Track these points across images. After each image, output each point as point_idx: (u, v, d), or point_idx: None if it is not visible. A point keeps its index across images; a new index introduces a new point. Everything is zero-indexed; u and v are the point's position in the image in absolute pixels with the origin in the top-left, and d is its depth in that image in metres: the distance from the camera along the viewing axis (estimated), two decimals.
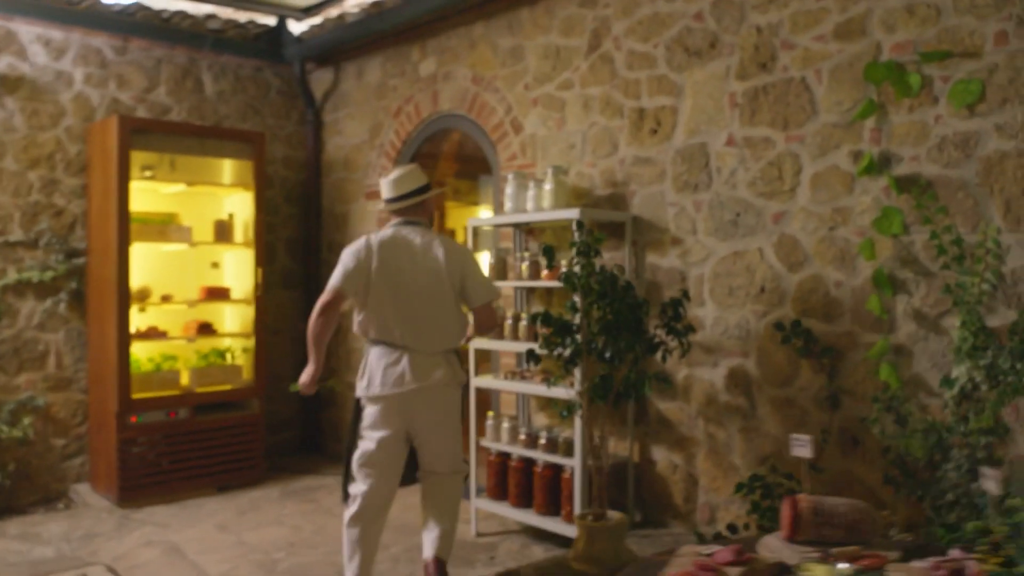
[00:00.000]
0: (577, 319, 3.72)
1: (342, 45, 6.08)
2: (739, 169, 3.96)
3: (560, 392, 4.06)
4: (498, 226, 4.92)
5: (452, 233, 8.11)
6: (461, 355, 3.65)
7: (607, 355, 3.53)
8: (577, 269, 3.66)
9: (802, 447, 2.87)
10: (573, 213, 4.11)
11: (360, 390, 3.44)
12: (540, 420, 4.85)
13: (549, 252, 3.74)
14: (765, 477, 3.36)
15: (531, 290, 4.90)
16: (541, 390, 4.24)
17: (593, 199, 4.56)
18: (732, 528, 3.61)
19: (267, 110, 6.57)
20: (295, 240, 6.73)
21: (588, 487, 4.09)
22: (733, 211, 3.98)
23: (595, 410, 3.78)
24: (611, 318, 3.58)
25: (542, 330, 3.93)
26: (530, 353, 3.75)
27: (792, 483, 3.43)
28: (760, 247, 3.88)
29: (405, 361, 3.35)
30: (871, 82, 3.46)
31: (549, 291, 4.80)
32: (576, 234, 3.74)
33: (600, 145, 4.55)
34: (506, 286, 4.84)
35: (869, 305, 3.46)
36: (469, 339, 3.78)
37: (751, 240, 3.92)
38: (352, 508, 3.42)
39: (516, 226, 4.90)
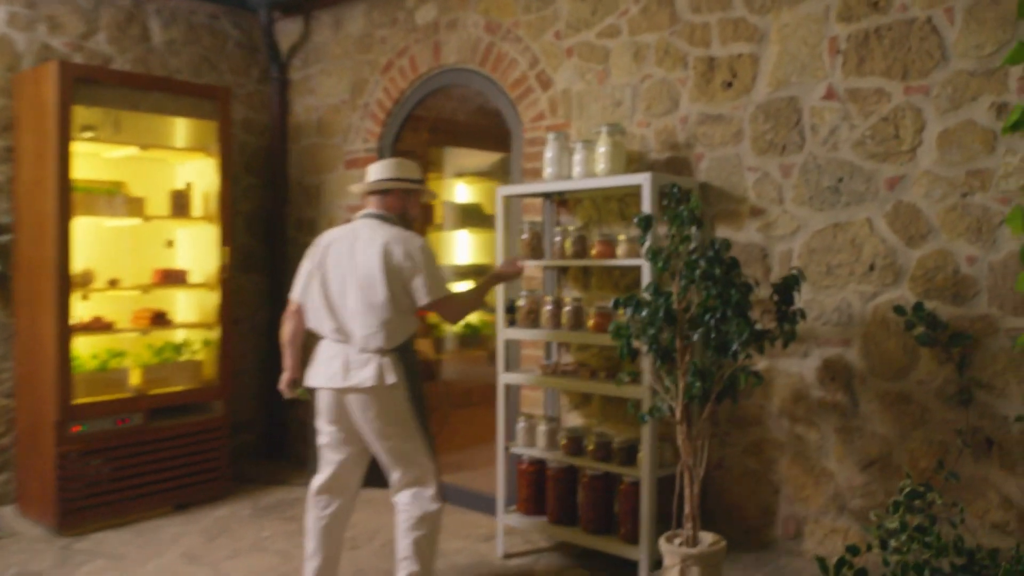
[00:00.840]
0: (662, 304, 3.05)
1: None
2: (842, 127, 3.37)
3: (633, 391, 3.41)
4: (520, 196, 4.21)
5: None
6: (413, 356, 3.32)
7: (713, 347, 2.88)
8: (675, 244, 3.00)
9: None
10: (639, 178, 3.46)
11: (306, 378, 3.37)
12: (574, 419, 4.18)
13: (646, 223, 3.06)
14: (922, 491, 2.76)
15: (563, 271, 4.22)
16: (609, 389, 3.57)
17: (647, 163, 3.91)
18: (853, 550, 3.02)
19: (224, 65, 5.67)
20: (257, 215, 5.85)
21: (656, 502, 3.46)
22: (834, 176, 3.39)
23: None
24: (715, 302, 2.93)
25: (623, 317, 3.28)
26: (627, 346, 3.06)
27: (932, 495, 2.85)
28: (869, 217, 3.31)
29: (342, 357, 3.21)
30: None
31: (586, 272, 4.13)
32: (669, 201, 3.07)
33: (656, 101, 3.90)
34: (534, 266, 4.16)
35: (1019, 285, 2.91)
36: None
37: (857, 210, 3.33)
38: (309, 491, 3.41)
39: (547, 196, 4.21)
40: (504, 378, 3.98)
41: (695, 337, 2.91)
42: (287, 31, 5.75)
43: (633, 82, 3.97)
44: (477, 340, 7.40)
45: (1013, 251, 2.98)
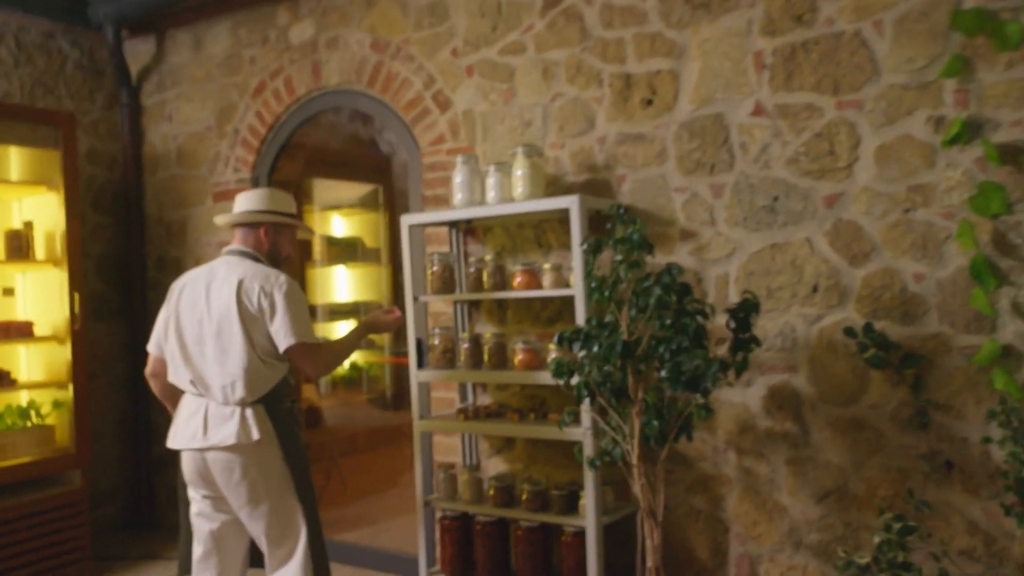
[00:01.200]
0: (617, 338, 2.76)
1: (171, 6, 4.70)
2: (773, 144, 3.22)
3: (571, 433, 3.10)
4: (429, 225, 3.85)
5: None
6: (288, 407, 2.94)
7: (684, 382, 2.61)
8: (623, 270, 2.72)
9: None
10: (565, 201, 3.18)
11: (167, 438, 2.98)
12: (496, 466, 3.83)
13: (595, 246, 2.77)
14: (911, 525, 2.57)
15: (475, 305, 3.87)
16: (549, 432, 3.25)
17: (564, 187, 3.64)
18: None
19: (63, 89, 4.99)
20: (109, 257, 5.17)
21: (603, 553, 3.16)
22: (768, 195, 3.23)
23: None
24: (669, 332, 2.68)
25: (559, 353, 2.97)
26: (583, 386, 2.74)
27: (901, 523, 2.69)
28: (808, 237, 3.16)
29: (202, 413, 2.84)
30: (962, 32, 2.85)
31: (501, 305, 3.80)
32: (614, 223, 2.80)
33: (570, 121, 3.64)
34: (443, 301, 3.81)
35: (974, 301, 2.83)
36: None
37: (795, 230, 3.18)
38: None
39: (454, 225, 3.86)
40: (421, 426, 3.58)
41: (663, 373, 2.63)
42: (137, 52, 5.14)
43: (543, 101, 3.71)
44: (359, 381, 6.93)
45: (961, 266, 2.89)
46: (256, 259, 2.96)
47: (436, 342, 3.54)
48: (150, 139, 5.14)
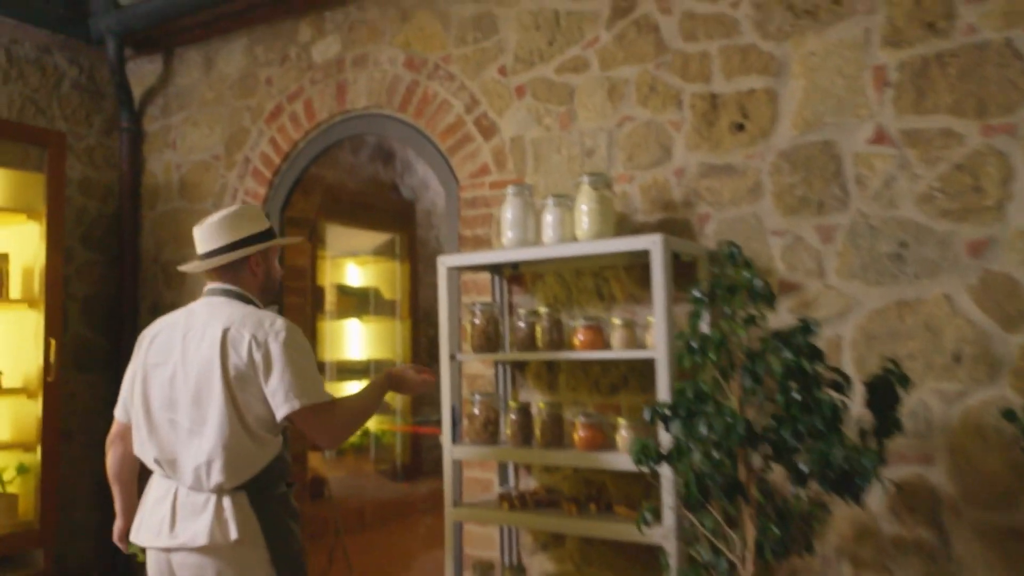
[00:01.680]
0: (716, 415, 2.10)
1: (180, 19, 4.17)
2: (899, 177, 2.60)
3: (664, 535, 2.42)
4: (470, 268, 3.23)
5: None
6: (280, 494, 2.25)
7: (831, 480, 1.95)
8: (734, 327, 2.08)
9: None
10: (645, 242, 2.55)
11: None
12: (541, 565, 3.13)
13: (708, 298, 2.12)
14: None
15: (519, 367, 3.22)
16: (624, 532, 2.56)
17: (632, 227, 3.02)
18: None
19: (57, 110, 4.43)
20: (97, 299, 4.55)
21: None
22: (894, 240, 2.60)
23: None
24: (795, 412, 2.02)
25: (632, 431, 2.31)
26: (691, 476, 2.07)
27: None
28: (947, 293, 2.52)
29: (170, 500, 2.20)
30: None
31: (552, 368, 3.15)
32: (723, 267, 2.16)
33: (641, 149, 3.04)
34: (482, 361, 3.18)
35: None
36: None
37: (930, 284, 2.54)
38: None
39: (497, 270, 3.24)
40: (454, 515, 2.90)
41: (803, 466, 1.96)
42: (142, 72, 4.60)
43: (608, 126, 3.11)
44: (367, 449, 6.25)
45: None
46: (245, 299, 2.33)
47: (476, 411, 2.89)
48: (151, 168, 4.56)
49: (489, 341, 2.93)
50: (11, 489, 3.66)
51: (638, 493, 2.88)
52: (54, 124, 4.38)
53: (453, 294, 3.20)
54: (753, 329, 2.12)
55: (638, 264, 2.95)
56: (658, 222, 2.97)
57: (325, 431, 2.23)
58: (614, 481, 2.96)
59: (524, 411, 2.84)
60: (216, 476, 2.13)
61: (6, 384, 3.69)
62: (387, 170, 5.90)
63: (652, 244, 2.53)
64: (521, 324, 2.89)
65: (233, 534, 2.09)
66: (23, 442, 3.68)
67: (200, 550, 2.11)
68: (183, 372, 2.22)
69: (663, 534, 2.41)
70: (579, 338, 2.75)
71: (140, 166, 4.60)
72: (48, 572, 3.60)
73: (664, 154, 2.99)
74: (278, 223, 3.97)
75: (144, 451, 2.28)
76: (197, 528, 2.10)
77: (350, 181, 5.74)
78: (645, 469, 2.17)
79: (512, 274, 3.25)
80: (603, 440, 2.67)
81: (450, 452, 2.90)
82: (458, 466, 3.13)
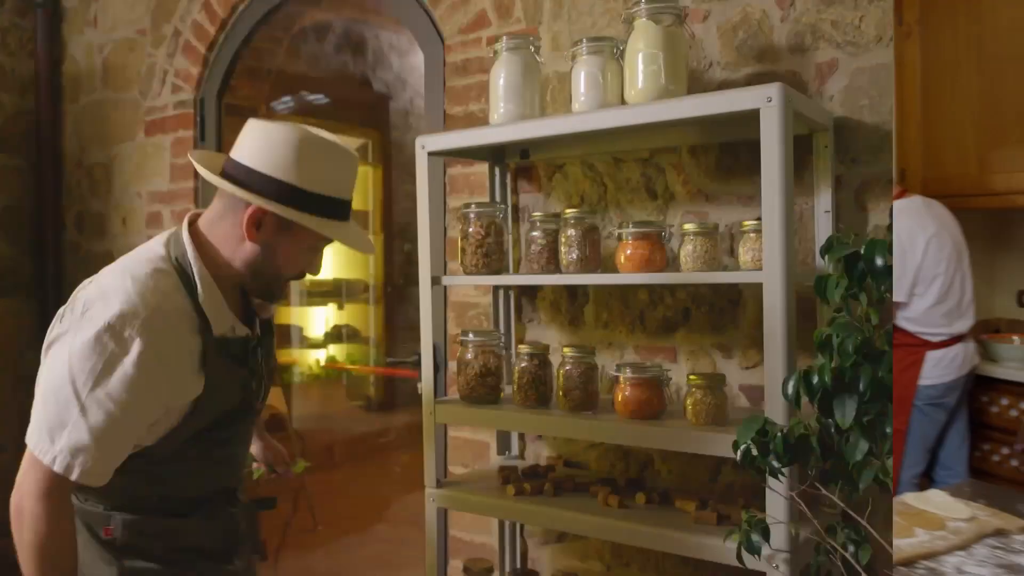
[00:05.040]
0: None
1: None
2: None
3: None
4: (459, 153, 2.20)
5: None
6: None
7: None
8: None
9: None
10: (751, 97, 1.48)
11: None
12: (556, 563, 2.17)
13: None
14: None
15: (525, 293, 2.21)
16: (708, 550, 1.56)
17: (704, 87, 1.96)
18: None
19: None
20: (16, 211, 3.51)
21: None
22: None
23: None
24: None
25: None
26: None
27: None
28: None
29: None
30: None
31: (574, 295, 2.13)
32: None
33: None
34: (479, 283, 2.18)
35: None
36: None
37: None
38: None
39: (498, 159, 2.19)
40: (437, 498, 1.91)
41: None
42: None
43: None
44: (338, 382, 5.38)
45: None
46: (180, 268, 1.37)
47: (469, 355, 1.88)
48: (71, 53, 3.48)
49: (488, 259, 1.90)
50: None
51: (699, 475, 1.90)
52: None
53: (437, 193, 2.18)
54: None
55: (714, 145, 1.91)
56: (746, 78, 1.90)
57: (22, 491, 1.29)
58: (662, 454, 1.98)
59: (540, 359, 1.83)
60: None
61: None
62: (357, 62, 4.82)
63: (764, 100, 1.46)
64: (536, 234, 1.85)
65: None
66: None
67: None
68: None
69: (768, 555, 1.42)
70: (627, 253, 1.71)
71: (60, 51, 3.51)
72: None
73: None
74: (215, 110, 2.91)
75: None
76: None
77: (312, 71, 4.65)
78: (759, 465, 1.18)
79: (519, 164, 2.21)
80: (658, 404, 1.67)
81: (432, 412, 1.90)
82: (442, 431, 2.14)
